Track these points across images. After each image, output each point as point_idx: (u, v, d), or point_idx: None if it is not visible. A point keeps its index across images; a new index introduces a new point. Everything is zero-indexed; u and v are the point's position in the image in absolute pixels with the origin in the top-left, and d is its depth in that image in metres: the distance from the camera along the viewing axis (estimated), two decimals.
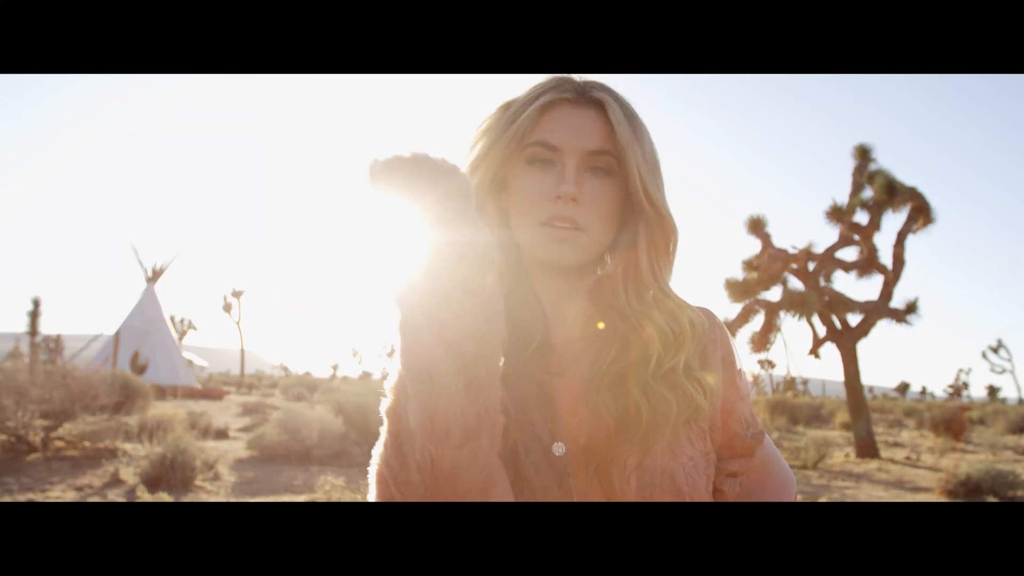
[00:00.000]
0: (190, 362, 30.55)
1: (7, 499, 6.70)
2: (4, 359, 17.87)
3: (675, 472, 1.00)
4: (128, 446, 9.49)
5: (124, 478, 7.68)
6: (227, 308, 34.77)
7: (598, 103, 1.02)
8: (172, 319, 26.40)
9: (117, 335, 22.30)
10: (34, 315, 22.49)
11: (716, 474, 1.07)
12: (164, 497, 5.38)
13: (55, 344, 22.52)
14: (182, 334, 34.97)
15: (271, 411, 16.00)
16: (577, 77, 1.05)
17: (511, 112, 1.03)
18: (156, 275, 25.90)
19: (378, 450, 0.87)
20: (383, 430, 0.87)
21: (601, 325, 1.04)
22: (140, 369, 22.27)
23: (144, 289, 25.59)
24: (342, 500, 6.39)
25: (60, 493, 7.06)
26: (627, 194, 1.02)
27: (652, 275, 1.02)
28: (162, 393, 20.67)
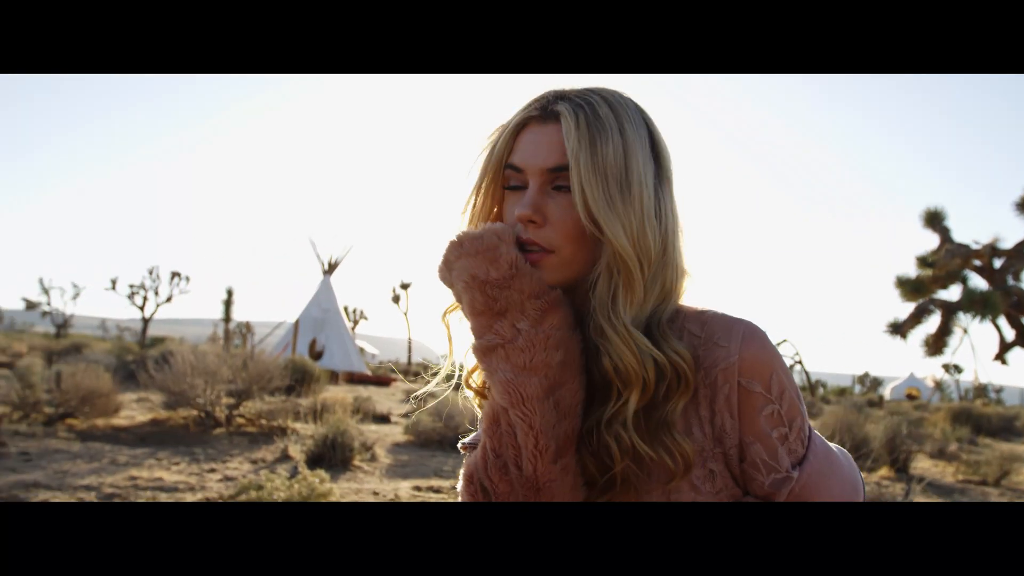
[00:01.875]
0: (362, 350, 32.48)
1: (195, 467, 7.50)
2: (204, 342, 19.85)
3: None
4: (299, 425, 10.29)
5: (292, 454, 8.36)
6: (396, 299, 36.61)
7: (558, 116, 0.99)
8: (346, 309, 28.13)
9: (296, 323, 24.13)
10: (228, 304, 24.86)
11: None
12: (322, 474, 5.83)
13: (246, 330, 24.65)
14: (355, 323, 37.23)
15: (431, 399, 16.65)
16: (565, 88, 1.02)
17: (494, 137, 1.05)
18: (332, 268, 27.72)
19: (471, 467, 1.00)
20: (481, 450, 1.00)
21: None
22: (317, 355, 23.96)
23: (321, 281, 27.46)
24: None
25: (238, 464, 7.81)
26: None
27: (606, 306, 0.97)
28: (335, 378, 22.11)
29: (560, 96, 1.01)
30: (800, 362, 34.24)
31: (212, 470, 7.44)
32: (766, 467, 0.98)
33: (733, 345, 0.97)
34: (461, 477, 1.05)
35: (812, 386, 34.18)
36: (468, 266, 0.98)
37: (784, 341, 35.59)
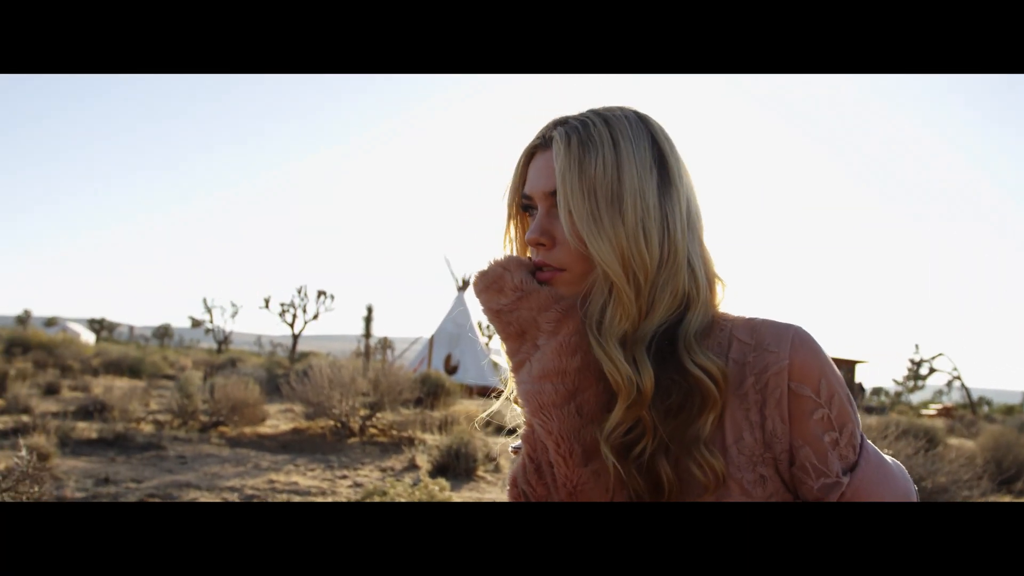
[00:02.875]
0: (496, 364, 32.99)
1: (328, 473, 7.96)
2: (347, 357, 20.90)
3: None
4: (428, 436, 10.66)
5: (419, 463, 8.68)
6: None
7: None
8: (479, 325, 28.72)
9: (432, 339, 24.93)
10: (368, 320, 25.98)
11: None
12: (442, 483, 6.05)
13: (385, 345, 25.69)
14: (488, 339, 38.01)
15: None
16: (571, 114, 1.07)
17: (513, 168, 1.12)
18: (466, 285, 28.46)
19: (514, 472, 1.08)
20: (520, 457, 1.08)
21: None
22: (452, 370, 24.63)
23: (455, 297, 28.24)
24: None
25: (368, 472, 8.21)
26: None
27: (593, 321, 1.00)
28: (470, 392, 22.64)
29: (559, 122, 1.06)
30: (959, 378, 31.72)
31: (344, 476, 7.85)
32: (815, 471, 0.98)
33: (783, 350, 0.98)
34: (507, 480, 1.11)
35: (973, 404, 31.50)
36: (484, 300, 1.08)
37: (940, 355, 33.15)
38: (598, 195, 0.99)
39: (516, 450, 1.19)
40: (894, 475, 1.04)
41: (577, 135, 1.01)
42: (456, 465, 8.26)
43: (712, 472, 0.95)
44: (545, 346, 1.02)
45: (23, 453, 3.45)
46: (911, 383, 34.52)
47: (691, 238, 1.04)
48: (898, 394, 35.93)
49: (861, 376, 33.40)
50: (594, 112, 1.06)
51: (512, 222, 1.15)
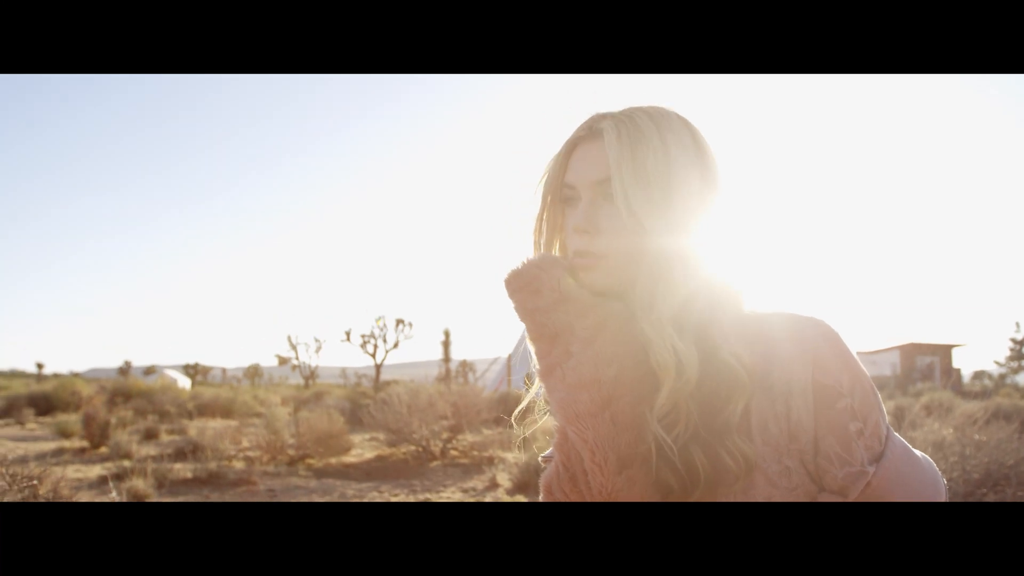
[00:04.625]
0: None
1: (411, 497, 8.10)
2: (429, 382, 21.25)
3: None
4: (508, 455, 10.72)
5: (500, 482, 8.74)
6: None
7: (602, 133, 1.07)
8: None
9: (509, 358, 25.05)
10: (446, 344, 26.40)
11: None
12: (520, 499, 6.09)
13: (464, 368, 25.95)
14: None
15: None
16: (612, 110, 1.10)
17: (549, 164, 1.15)
18: None
19: (548, 480, 1.10)
20: (552, 465, 1.10)
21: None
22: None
23: None
24: None
25: (450, 493, 8.32)
26: None
27: (646, 305, 1.02)
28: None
29: (604, 116, 1.09)
30: None
31: (427, 499, 7.98)
32: (839, 460, 0.99)
33: (808, 342, 1.00)
34: (541, 488, 1.13)
35: None
36: (518, 300, 1.09)
37: None
38: (651, 183, 1.02)
39: (547, 459, 1.22)
40: (922, 467, 1.04)
41: (625, 127, 1.05)
42: (536, 481, 8.26)
43: (743, 459, 0.97)
44: (580, 354, 1.03)
45: (113, 494, 3.66)
46: (1015, 363, 32.72)
47: (725, 232, 1.08)
48: (1002, 376, 34.11)
49: (959, 361, 31.81)
50: (638, 108, 1.09)
51: (548, 211, 1.16)
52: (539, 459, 1.24)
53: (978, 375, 40.95)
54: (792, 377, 0.99)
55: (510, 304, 1.11)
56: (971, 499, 5.48)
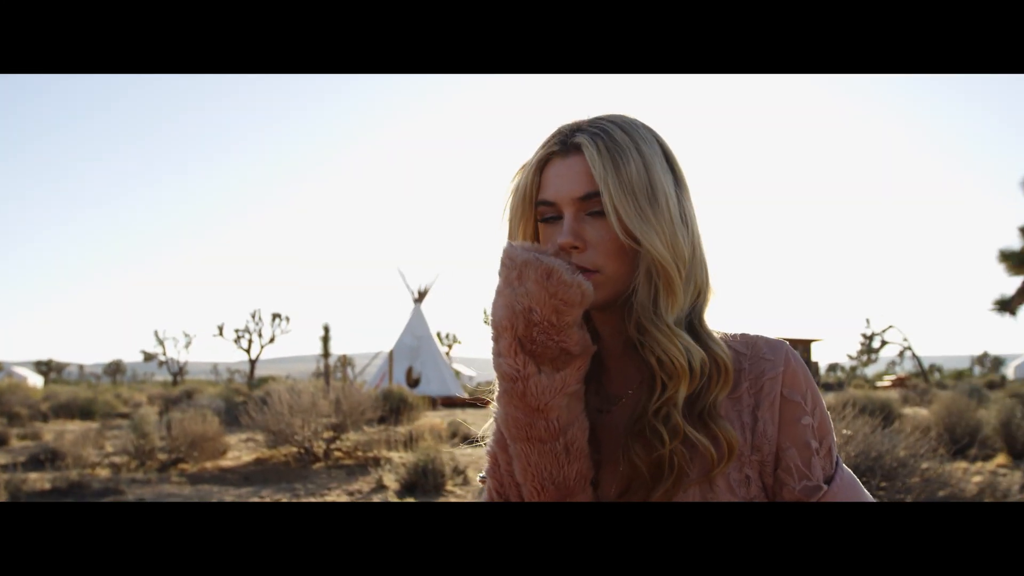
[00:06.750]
0: (458, 373, 33.01)
1: (294, 502, 7.81)
2: (307, 379, 20.64)
3: None
4: (394, 454, 10.56)
5: (387, 484, 8.59)
6: (487, 320, 36.97)
7: (579, 147, 1.05)
8: (439, 335, 28.61)
9: (391, 353, 24.73)
10: (325, 339, 25.70)
11: None
12: (409, 499, 5.99)
13: (345, 363, 25.41)
14: (449, 347, 37.91)
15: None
16: (581, 120, 1.08)
17: (519, 178, 1.12)
18: (422, 296, 28.34)
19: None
20: (486, 489, 1.07)
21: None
22: (414, 383, 24.50)
23: (412, 309, 28.09)
24: None
25: (335, 497, 8.08)
26: None
27: (648, 309, 1.02)
28: (435, 403, 22.53)
29: (576, 129, 1.07)
30: (910, 348, 32.62)
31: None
32: (799, 473, 1.03)
33: (778, 358, 1.05)
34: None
35: (925, 372, 32.40)
36: (529, 293, 0.98)
37: (890, 327, 34.06)
38: (637, 195, 1.02)
39: (484, 480, 1.19)
40: (865, 492, 1.10)
41: (602, 140, 1.04)
42: (424, 482, 8.18)
43: (728, 443, 1.00)
44: (547, 377, 0.98)
45: None
46: (864, 357, 35.37)
47: (700, 236, 1.11)
48: (853, 368, 36.81)
49: (817, 355, 34.09)
50: (604, 119, 1.07)
51: (522, 229, 1.12)
52: (478, 479, 1.23)
53: (832, 367, 44.00)
54: (762, 389, 1.04)
55: (516, 285, 0.99)
56: None
